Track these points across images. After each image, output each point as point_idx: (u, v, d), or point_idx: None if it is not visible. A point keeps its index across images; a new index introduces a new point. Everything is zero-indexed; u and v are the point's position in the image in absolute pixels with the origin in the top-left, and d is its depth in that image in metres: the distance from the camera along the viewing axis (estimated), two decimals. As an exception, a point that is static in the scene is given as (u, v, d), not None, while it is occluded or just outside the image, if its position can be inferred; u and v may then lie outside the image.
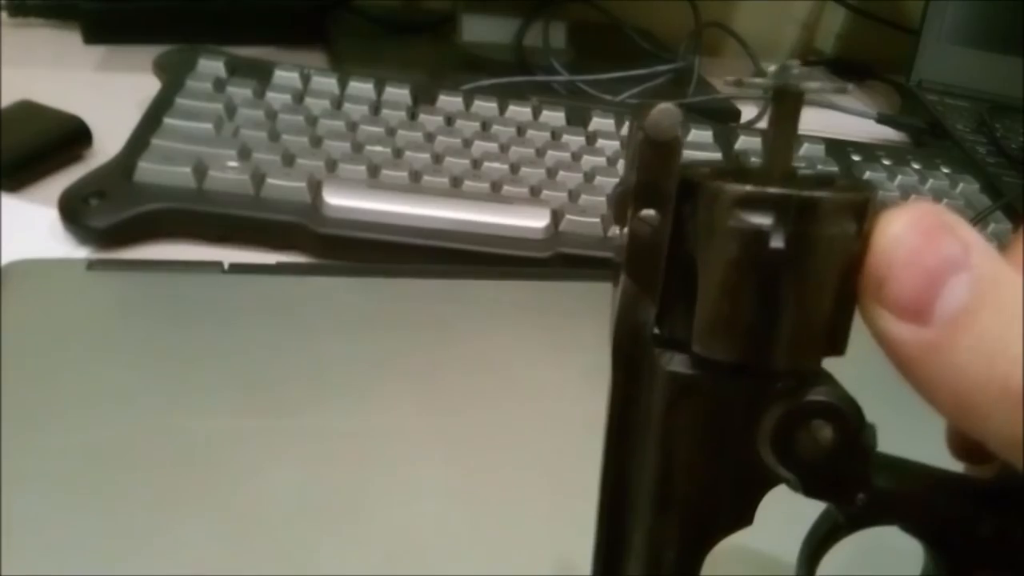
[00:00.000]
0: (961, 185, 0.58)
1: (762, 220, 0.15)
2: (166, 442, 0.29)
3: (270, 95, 0.51)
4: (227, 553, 0.26)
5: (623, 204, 0.16)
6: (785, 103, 0.16)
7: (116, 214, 0.42)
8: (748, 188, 0.15)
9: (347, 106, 0.51)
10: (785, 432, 0.16)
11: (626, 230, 0.16)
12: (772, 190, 0.15)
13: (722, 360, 0.16)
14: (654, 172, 0.16)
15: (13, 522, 0.26)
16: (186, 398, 0.31)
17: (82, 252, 0.41)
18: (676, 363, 0.17)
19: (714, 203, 0.15)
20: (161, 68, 0.52)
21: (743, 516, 0.17)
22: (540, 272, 0.44)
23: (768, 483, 0.17)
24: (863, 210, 0.15)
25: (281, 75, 0.53)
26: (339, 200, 0.44)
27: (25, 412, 0.30)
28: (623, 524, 0.18)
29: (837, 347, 0.16)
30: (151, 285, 0.37)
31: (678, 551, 0.18)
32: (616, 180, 0.50)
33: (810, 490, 0.17)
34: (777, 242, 0.15)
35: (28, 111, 0.48)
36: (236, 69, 0.53)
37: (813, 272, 0.15)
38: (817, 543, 0.19)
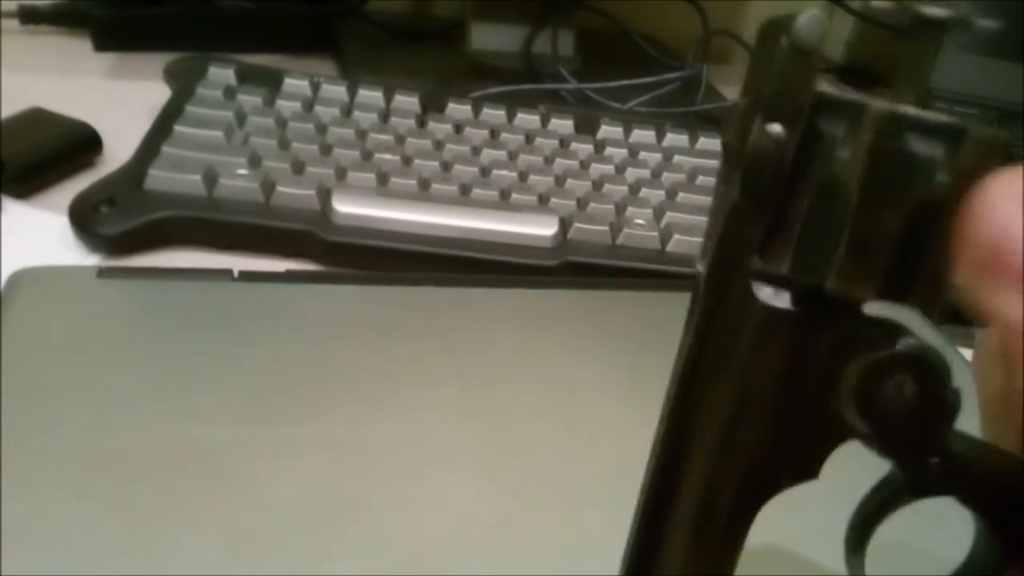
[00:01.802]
0: (971, 194, 0.58)
1: (928, 149, 0.14)
2: (175, 449, 0.29)
3: (280, 103, 0.51)
4: (235, 561, 0.26)
5: (749, 115, 0.15)
6: (932, 35, 0.15)
7: (126, 221, 0.42)
8: (914, 111, 0.14)
9: (356, 114, 0.52)
10: (870, 382, 0.16)
11: (749, 142, 0.15)
12: (941, 118, 0.14)
13: (847, 295, 0.15)
14: (791, 82, 0.14)
15: (20, 527, 0.26)
16: (195, 405, 0.31)
17: (92, 259, 0.41)
18: (774, 297, 0.16)
19: (867, 123, 0.14)
20: (171, 76, 0.53)
21: (810, 469, 0.17)
22: (548, 280, 0.44)
23: (842, 436, 0.16)
24: (1007, 154, 0.15)
25: (291, 83, 0.53)
26: (348, 208, 0.44)
27: (34, 418, 0.30)
28: (677, 469, 0.17)
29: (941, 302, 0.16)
30: (161, 293, 0.37)
31: (735, 499, 0.17)
32: (624, 188, 0.50)
33: (885, 447, 0.16)
34: (943, 175, 0.14)
35: (38, 118, 0.49)
36: (246, 77, 0.53)
37: (958, 212, 0.14)
38: (873, 510, 0.18)
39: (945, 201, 0.14)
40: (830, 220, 0.15)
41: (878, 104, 0.14)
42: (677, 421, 0.17)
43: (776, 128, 0.15)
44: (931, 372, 0.16)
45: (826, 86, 0.15)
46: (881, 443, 0.16)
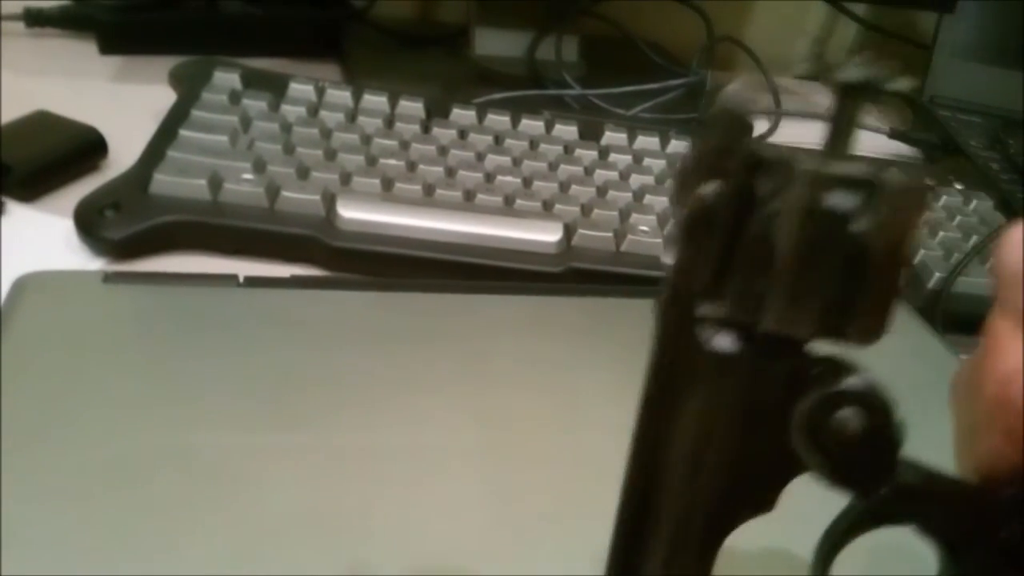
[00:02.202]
0: (975, 202, 0.58)
1: (849, 202, 0.15)
2: (179, 454, 0.29)
3: (285, 108, 0.51)
4: (238, 566, 0.26)
5: (691, 175, 0.16)
6: (850, 98, 0.16)
7: (131, 226, 0.42)
8: (831, 168, 0.15)
9: (361, 119, 0.52)
10: (819, 416, 0.17)
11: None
12: (861, 172, 0.15)
13: (791, 335, 0.16)
14: (724, 143, 0.16)
15: (24, 531, 0.26)
16: (200, 411, 0.31)
17: (97, 263, 0.41)
18: (721, 341, 0.17)
19: (795, 181, 0.15)
20: (177, 80, 0.53)
21: (766, 501, 0.18)
22: (552, 287, 0.44)
23: (795, 470, 0.17)
24: (925, 199, 0.16)
25: (296, 88, 0.53)
26: (353, 213, 0.44)
27: (38, 423, 0.30)
28: (646, 499, 0.18)
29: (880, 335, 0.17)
30: (167, 298, 0.37)
31: (702, 527, 0.18)
32: (628, 194, 0.50)
33: (837, 478, 0.17)
34: (864, 224, 0.15)
35: (44, 121, 0.49)
36: (251, 81, 0.53)
37: (883, 256, 0.15)
38: (836, 537, 0.19)
39: (868, 248, 0.15)
40: (764, 269, 0.16)
41: (805, 163, 0.15)
42: (643, 451, 0.18)
43: (712, 187, 0.16)
44: (877, 407, 0.17)
45: (760, 148, 0.16)
46: (832, 475, 0.17)
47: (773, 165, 0.16)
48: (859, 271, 0.16)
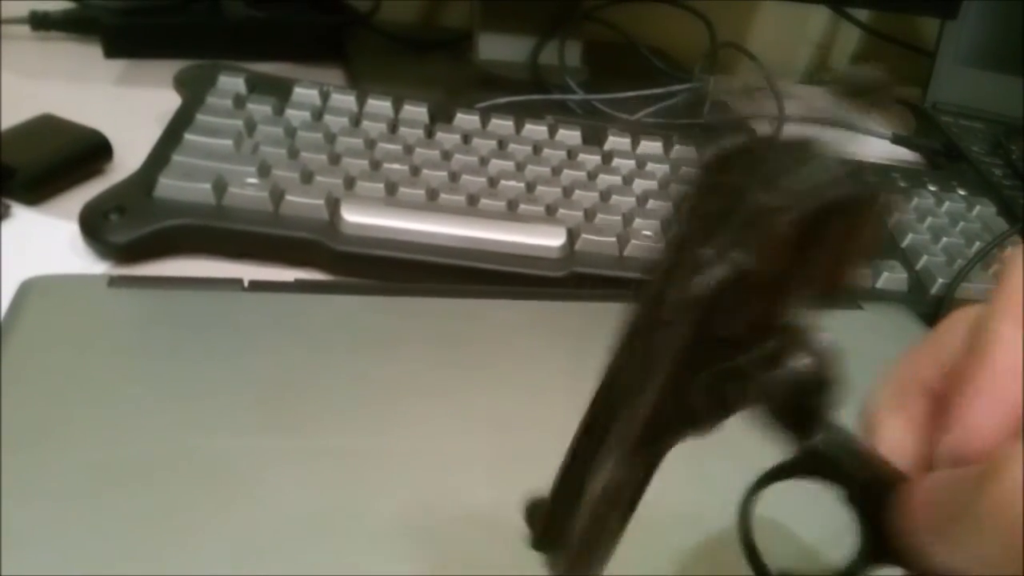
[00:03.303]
0: (977, 208, 0.58)
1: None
2: (183, 458, 0.30)
3: (289, 112, 0.51)
4: (240, 570, 0.26)
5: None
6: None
7: (136, 229, 0.42)
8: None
9: (365, 124, 0.52)
10: (769, 360, 0.18)
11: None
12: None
13: None
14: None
15: (28, 534, 0.26)
16: (204, 415, 0.32)
17: (101, 267, 0.42)
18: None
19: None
20: (182, 84, 0.53)
21: (704, 427, 0.18)
22: (555, 291, 0.44)
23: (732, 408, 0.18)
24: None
25: (300, 92, 0.53)
26: (357, 217, 0.44)
27: (44, 426, 0.30)
28: (598, 422, 0.20)
29: None
30: (172, 302, 0.37)
31: (640, 440, 0.18)
32: (632, 199, 0.50)
33: (775, 417, 0.18)
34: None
35: (49, 125, 0.49)
36: (256, 86, 0.53)
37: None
38: (768, 474, 0.20)
39: None
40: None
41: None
42: (602, 381, 0.19)
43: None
44: (824, 358, 0.18)
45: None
46: (773, 413, 0.18)
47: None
48: None
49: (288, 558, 0.27)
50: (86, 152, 0.48)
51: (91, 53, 0.63)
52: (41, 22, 0.63)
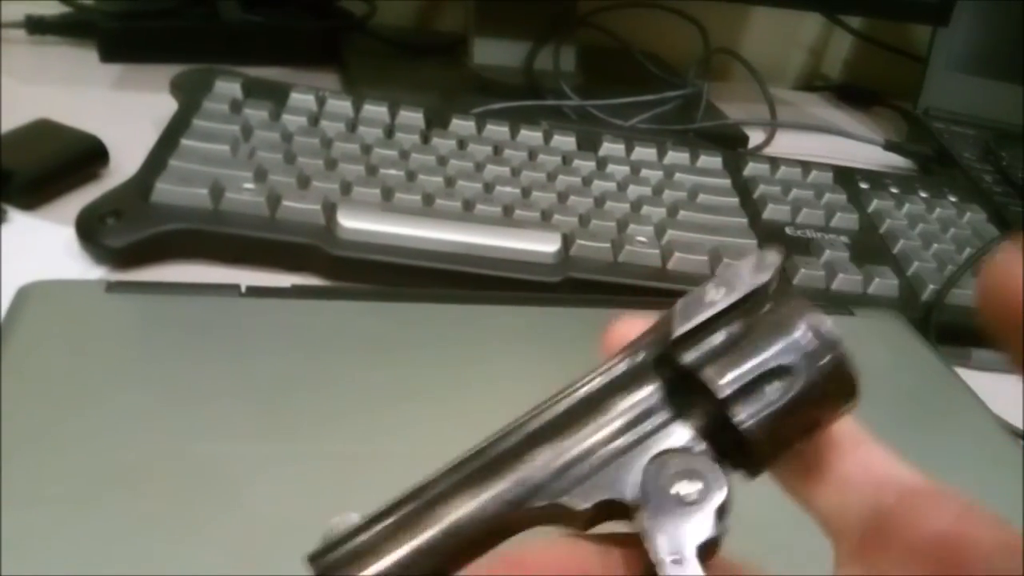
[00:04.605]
0: (968, 214, 0.59)
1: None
2: (181, 463, 0.30)
3: (286, 117, 0.51)
4: (238, 575, 0.26)
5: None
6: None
7: (133, 234, 0.42)
8: None
9: (361, 129, 0.52)
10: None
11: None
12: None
13: None
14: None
15: (25, 538, 0.26)
16: (201, 420, 0.32)
17: (98, 271, 0.42)
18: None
19: None
20: (178, 88, 0.53)
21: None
22: (550, 297, 0.44)
23: None
24: None
25: (297, 97, 0.53)
26: (353, 223, 0.44)
27: (41, 431, 0.30)
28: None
29: None
30: (170, 307, 0.37)
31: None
32: (626, 205, 0.50)
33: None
34: None
35: (45, 129, 0.49)
36: (252, 91, 0.53)
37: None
38: None
39: None
40: None
41: None
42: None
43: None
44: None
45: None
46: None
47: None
48: None
49: (284, 563, 0.27)
50: (82, 157, 0.48)
51: (87, 57, 0.63)
52: (37, 26, 0.63)
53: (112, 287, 0.37)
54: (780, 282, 0.17)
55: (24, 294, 0.36)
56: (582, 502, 0.17)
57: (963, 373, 0.44)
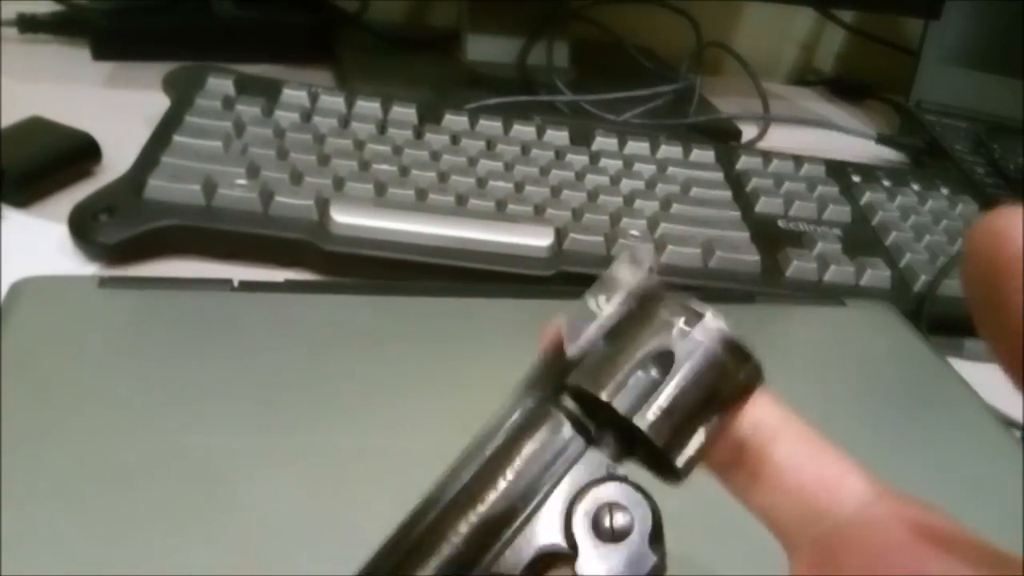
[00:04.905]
0: (960, 206, 0.59)
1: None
2: (175, 458, 0.30)
3: (278, 113, 0.51)
4: (232, 569, 0.26)
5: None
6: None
7: (126, 230, 0.42)
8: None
9: (354, 124, 0.52)
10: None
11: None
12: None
13: None
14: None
15: (20, 535, 0.26)
16: (195, 415, 0.32)
17: (91, 268, 0.42)
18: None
19: None
20: (170, 85, 0.53)
21: None
22: (544, 290, 0.44)
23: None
24: None
25: (289, 93, 0.53)
26: (346, 218, 0.44)
27: (35, 427, 0.30)
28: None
29: None
30: (162, 302, 0.37)
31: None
32: (619, 199, 0.51)
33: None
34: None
35: (37, 127, 0.49)
36: (245, 87, 0.53)
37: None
38: None
39: None
40: None
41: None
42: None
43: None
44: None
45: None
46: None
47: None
48: None
49: (281, 557, 0.27)
50: (75, 154, 0.48)
51: (79, 55, 0.63)
52: (29, 24, 0.63)
53: (105, 282, 0.37)
54: (654, 277, 0.17)
55: (17, 290, 0.36)
56: (515, 566, 0.16)
57: (956, 364, 0.44)
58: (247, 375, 0.34)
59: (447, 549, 0.17)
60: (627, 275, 0.17)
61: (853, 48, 0.93)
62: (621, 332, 0.17)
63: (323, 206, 0.45)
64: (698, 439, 0.16)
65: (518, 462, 0.17)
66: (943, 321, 0.48)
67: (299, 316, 0.38)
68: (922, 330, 0.47)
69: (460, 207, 0.47)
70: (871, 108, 0.87)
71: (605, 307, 0.17)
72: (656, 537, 0.16)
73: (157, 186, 0.43)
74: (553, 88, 0.66)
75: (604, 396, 0.16)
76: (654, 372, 0.16)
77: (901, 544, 0.15)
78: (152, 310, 0.37)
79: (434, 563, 0.17)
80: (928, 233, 0.54)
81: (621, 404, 0.16)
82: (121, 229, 0.42)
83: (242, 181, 0.45)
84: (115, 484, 0.28)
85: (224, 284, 0.39)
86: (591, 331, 0.17)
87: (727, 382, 0.16)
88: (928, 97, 0.77)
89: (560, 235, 0.46)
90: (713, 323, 0.16)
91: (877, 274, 0.50)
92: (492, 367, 0.38)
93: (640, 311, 0.17)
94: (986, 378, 0.43)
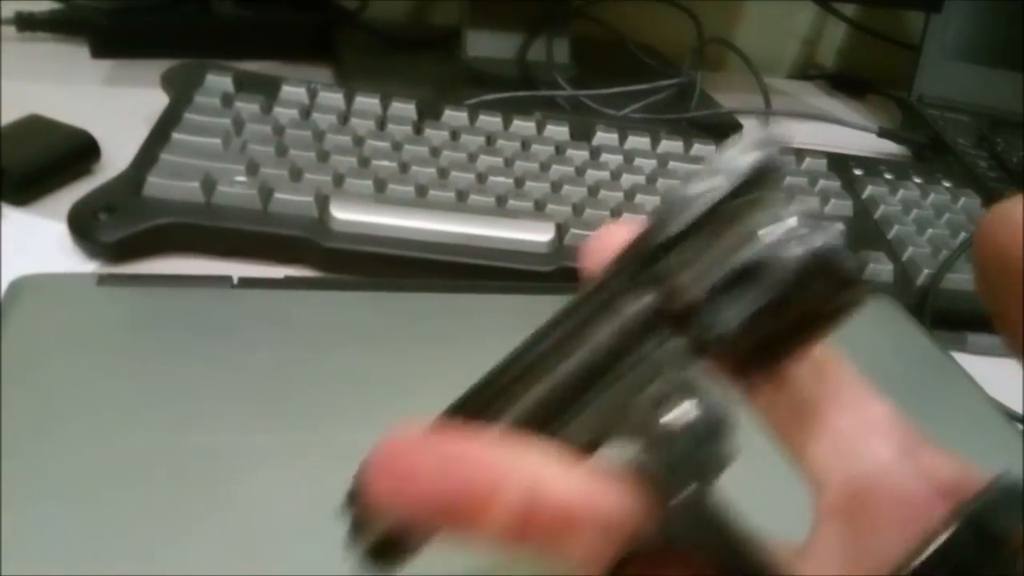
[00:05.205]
0: (962, 200, 0.59)
1: None
2: (174, 455, 0.30)
3: (277, 110, 0.51)
4: (233, 567, 0.26)
5: None
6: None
7: (125, 228, 0.42)
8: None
9: (354, 121, 0.52)
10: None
11: None
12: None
13: None
14: None
15: (20, 532, 0.26)
16: (194, 412, 0.32)
17: (90, 266, 0.42)
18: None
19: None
20: (169, 83, 0.53)
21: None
22: (545, 286, 0.44)
23: None
24: None
25: (288, 90, 0.53)
26: (346, 215, 0.44)
27: (34, 425, 0.30)
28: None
29: None
30: (162, 300, 0.37)
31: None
32: (620, 194, 0.50)
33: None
34: None
35: (36, 125, 0.49)
36: (244, 84, 0.53)
37: None
38: None
39: None
40: None
41: None
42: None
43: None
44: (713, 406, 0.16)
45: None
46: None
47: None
48: None
49: (282, 554, 0.27)
50: (74, 152, 0.48)
51: (78, 53, 0.63)
52: (27, 23, 0.63)
53: (104, 280, 0.37)
54: (770, 168, 0.15)
55: (16, 288, 0.36)
56: (578, 436, 0.16)
57: (959, 357, 0.44)
58: (247, 372, 0.34)
59: (515, 412, 0.17)
60: (740, 157, 0.15)
61: (855, 43, 0.93)
62: (718, 226, 0.15)
63: (323, 203, 0.44)
64: (775, 358, 0.16)
65: (596, 341, 0.16)
66: (946, 315, 0.48)
67: (299, 313, 0.38)
68: (925, 324, 0.46)
69: (460, 203, 0.47)
70: (873, 103, 0.86)
71: (705, 194, 0.15)
72: (721, 434, 0.15)
73: (156, 184, 0.43)
74: (553, 84, 0.66)
75: (686, 298, 0.15)
76: (751, 278, 0.15)
77: (931, 496, 0.15)
78: (152, 307, 0.37)
79: (515, 412, 0.17)
80: (930, 227, 0.54)
81: (706, 315, 0.15)
82: (120, 227, 0.42)
83: (241, 178, 0.44)
84: (115, 482, 0.28)
85: (224, 281, 0.39)
86: (682, 221, 0.15)
87: (821, 305, 0.15)
88: (930, 91, 0.77)
89: (561, 230, 0.46)
90: (820, 237, 0.15)
91: (879, 268, 0.50)
92: (493, 362, 0.38)
93: (744, 204, 0.15)
94: (989, 372, 0.42)
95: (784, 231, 0.15)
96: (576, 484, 0.14)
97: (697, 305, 0.15)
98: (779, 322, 0.15)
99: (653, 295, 0.16)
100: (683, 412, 0.15)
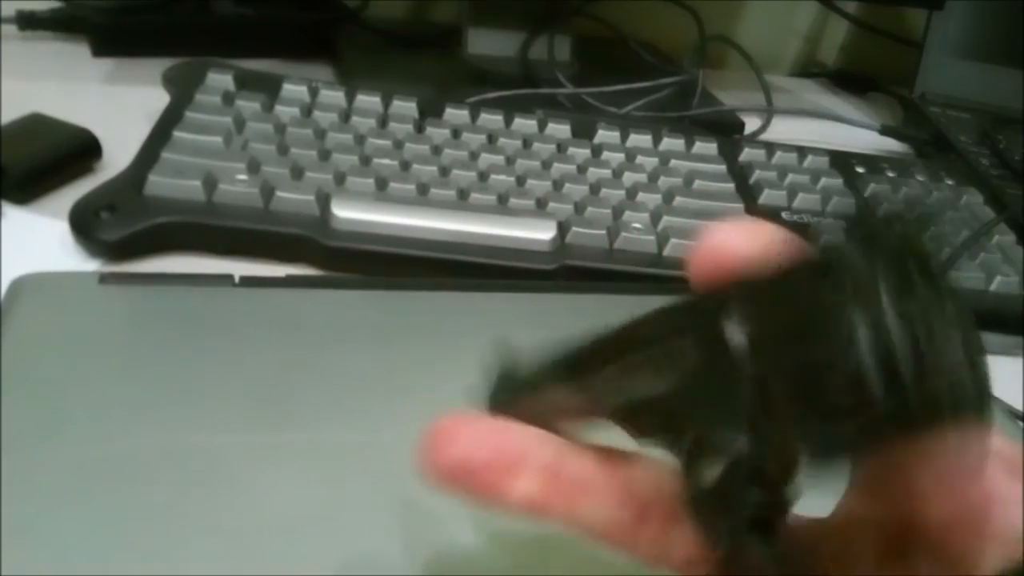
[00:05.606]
0: (965, 197, 0.59)
1: None
2: (176, 455, 0.30)
3: (279, 108, 0.51)
4: (234, 567, 0.26)
5: None
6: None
7: (127, 227, 0.42)
8: None
9: (355, 119, 0.52)
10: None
11: None
12: None
13: None
14: None
15: (21, 532, 0.26)
16: (196, 411, 0.32)
17: (92, 265, 0.42)
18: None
19: None
20: (170, 81, 0.53)
21: None
22: (546, 284, 0.44)
23: None
24: None
25: (289, 89, 0.53)
26: (347, 213, 0.44)
27: (35, 424, 0.30)
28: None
29: None
30: (163, 299, 0.37)
31: None
32: (621, 192, 0.50)
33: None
34: None
35: (37, 124, 0.49)
36: (245, 83, 0.53)
37: None
38: None
39: None
40: None
41: None
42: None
43: None
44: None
45: None
46: None
47: None
48: None
49: (284, 554, 0.27)
50: (75, 151, 0.48)
51: (79, 52, 0.63)
52: (28, 22, 0.63)
53: (105, 278, 0.37)
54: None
55: (17, 286, 0.36)
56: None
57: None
58: (249, 371, 0.34)
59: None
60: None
61: (857, 40, 0.93)
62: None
63: (324, 201, 0.44)
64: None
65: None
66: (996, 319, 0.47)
67: (301, 312, 0.38)
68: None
69: (462, 201, 0.47)
70: (875, 100, 0.86)
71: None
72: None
73: (158, 182, 0.43)
74: (555, 82, 0.65)
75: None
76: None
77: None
78: (153, 306, 0.37)
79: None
80: (933, 225, 0.54)
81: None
82: (122, 226, 0.42)
83: (243, 177, 0.44)
84: (115, 481, 0.28)
85: (225, 280, 0.38)
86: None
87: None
88: (932, 89, 0.77)
89: (562, 229, 0.46)
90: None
91: (882, 266, 0.49)
92: (492, 363, 0.38)
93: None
94: (992, 370, 0.42)
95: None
96: (592, 456, 0.18)
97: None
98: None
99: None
100: None
